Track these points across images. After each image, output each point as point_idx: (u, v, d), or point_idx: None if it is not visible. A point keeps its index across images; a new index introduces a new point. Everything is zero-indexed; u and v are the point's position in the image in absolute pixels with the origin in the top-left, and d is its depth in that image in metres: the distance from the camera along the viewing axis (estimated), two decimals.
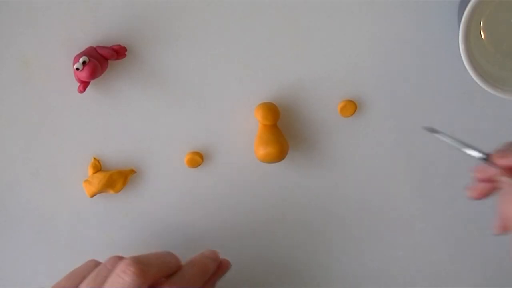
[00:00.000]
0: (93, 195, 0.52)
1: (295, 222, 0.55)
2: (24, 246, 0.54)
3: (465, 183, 0.45)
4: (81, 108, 0.52)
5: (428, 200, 0.55)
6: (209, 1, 0.50)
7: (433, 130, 0.47)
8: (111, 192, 0.53)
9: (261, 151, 0.51)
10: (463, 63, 0.47)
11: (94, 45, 0.50)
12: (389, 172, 0.54)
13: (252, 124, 0.52)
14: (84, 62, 0.48)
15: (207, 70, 0.52)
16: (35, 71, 0.51)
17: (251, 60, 0.52)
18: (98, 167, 0.53)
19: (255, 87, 0.52)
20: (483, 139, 0.49)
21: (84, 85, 0.49)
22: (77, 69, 0.48)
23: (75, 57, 0.49)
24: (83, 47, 0.50)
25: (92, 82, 0.50)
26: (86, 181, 0.52)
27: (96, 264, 0.49)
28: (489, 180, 0.44)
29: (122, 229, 0.54)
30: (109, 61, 0.50)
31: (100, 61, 0.49)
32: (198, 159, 0.53)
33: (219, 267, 0.51)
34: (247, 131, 0.53)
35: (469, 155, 0.44)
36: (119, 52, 0.50)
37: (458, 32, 0.46)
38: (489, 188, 0.44)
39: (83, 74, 0.48)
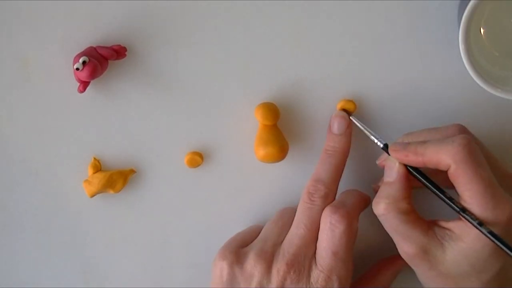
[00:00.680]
0: (93, 195, 0.52)
1: None
2: (24, 246, 0.54)
3: None
4: (81, 108, 0.52)
5: None
6: (209, 1, 0.50)
7: (348, 113, 0.51)
8: (111, 192, 0.53)
9: (261, 151, 0.51)
10: (463, 63, 0.47)
11: (94, 45, 0.50)
12: None
13: (252, 124, 0.52)
14: (84, 62, 0.48)
15: (207, 70, 0.52)
16: (35, 71, 0.51)
17: (251, 60, 0.52)
18: (98, 167, 0.53)
19: (255, 87, 0.52)
20: (483, 139, 0.49)
21: (84, 85, 0.49)
22: (77, 69, 0.48)
23: (75, 57, 0.49)
24: (83, 47, 0.50)
25: (92, 82, 0.50)
26: (86, 181, 0.52)
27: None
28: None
29: (122, 229, 0.54)
30: (109, 61, 0.50)
31: (100, 61, 0.49)
32: (198, 159, 0.53)
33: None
34: (247, 131, 0.53)
35: (375, 143, 0.49)
36: (119, 52, 0.50)
37: (458, 32, 0.46)
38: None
39: (83, 74, 0.48)
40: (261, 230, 0.51)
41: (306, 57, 0.52)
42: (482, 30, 0.50)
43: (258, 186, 0.54)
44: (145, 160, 0.53)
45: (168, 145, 0.53)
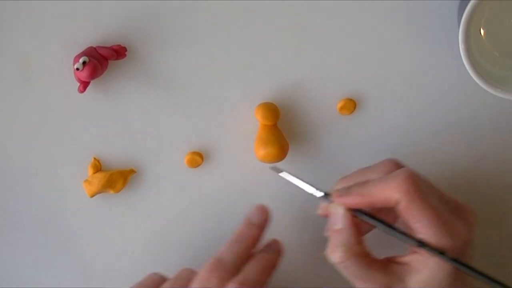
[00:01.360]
0: (93, 195, 0.52)
1: (295, 222, 0.55)
2: (24, 246, 0.54)
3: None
4: (81, 108, 0.52)
5: None
6: (209, 1, 0.50)
7: (278, 170, 0.49)
8: (111, 192, 0.53)
9: (261, 151, 0.51)
10: (463, 63, 0.47)
11: (94, 45, 0.50)
12: None
13: (252, 124, 0.52)
14: (84, 62, 0.48)
15: (207, 70, 0.52)
16: (35, 71, 0.51)
17: (251, 60, 0.52)
18: (98, 167, 0.53)
19: (255, 87, 0.52)
20: (483, 139, 0.49)
21: (84, 85, 0.49)
22: (77, 69, 0.48)
23: (75, 57, 0.49)
24: (83, 47, 0.50)
25: (92, 82, 0.50)
26: (86, 181, 0.52)
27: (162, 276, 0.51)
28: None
29: (122, 229, 0.54)
30: (109, 61, 0.50)
31: (100, 61, 0.49)
32: (198, 159, 0.53)
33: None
34: (247, 131, 0.53)
35: (311, 195, 0.47)
36: (119, 52, 0.50)
37: (458, 32, 0.46)
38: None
39: (83, 74, 0.48)
40: (159, 280, 0.50)
41: (306, 57, 0.52)
42: (482, 30, 0.50)
43: (258, 186, 0.54)
44: (145, 160, 0.53)
45: (168, 145, 0.53)
